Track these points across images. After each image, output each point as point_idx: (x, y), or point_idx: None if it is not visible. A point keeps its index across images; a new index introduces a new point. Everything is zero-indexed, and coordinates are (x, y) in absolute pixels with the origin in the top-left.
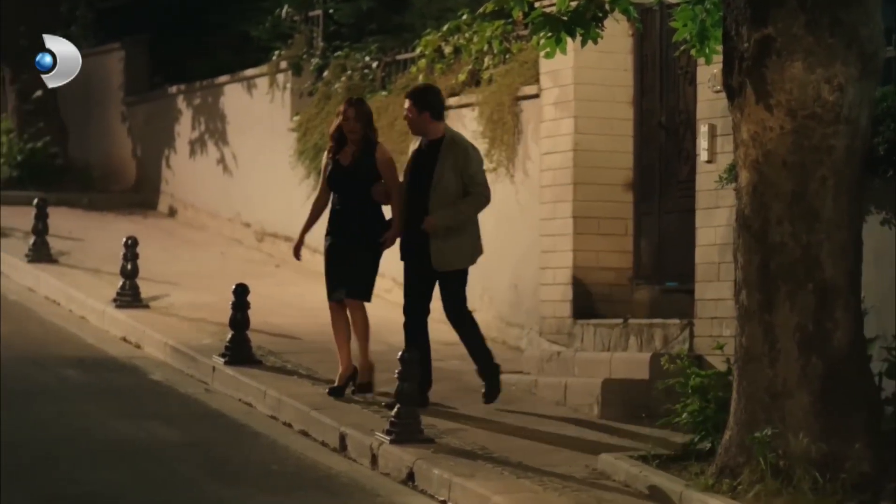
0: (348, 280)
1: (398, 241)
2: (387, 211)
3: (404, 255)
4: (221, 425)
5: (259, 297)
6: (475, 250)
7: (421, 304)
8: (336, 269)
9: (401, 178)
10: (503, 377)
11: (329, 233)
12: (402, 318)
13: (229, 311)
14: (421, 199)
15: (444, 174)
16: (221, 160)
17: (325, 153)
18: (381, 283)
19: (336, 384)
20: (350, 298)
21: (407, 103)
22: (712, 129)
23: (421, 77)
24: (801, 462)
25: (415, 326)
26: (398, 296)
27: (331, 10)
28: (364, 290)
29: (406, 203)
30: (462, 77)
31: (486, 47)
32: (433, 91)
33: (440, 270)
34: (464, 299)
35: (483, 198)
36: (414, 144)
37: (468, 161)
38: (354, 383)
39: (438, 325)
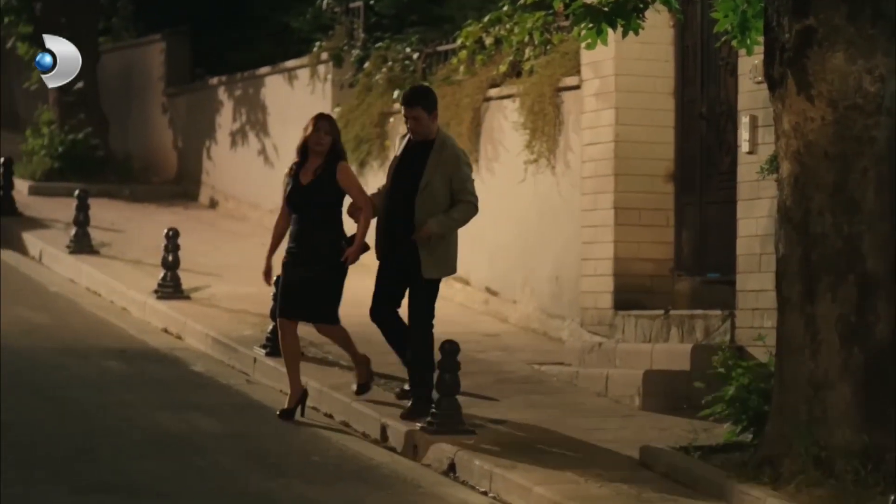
0: (314, 307)
1: (375, 242)
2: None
3: (380, 258)
4: (263, 416)
5: None
6: (456, 258)
7: (390, 306)
8: (292, 289)
9: (382, 181)
10: (544, 368)
11: (289, 252)
12: (441, 309)
13: (270, 302)
14: (405, 203)
15: (432, 178)
16: (262, 151)
17: (286, 172)
18: None
19: (287, 406)
20: (320, 325)
21: (414, 111)
22: (753, 119)
23: (462, 68)
24: (843, 453)
25: (381, 322)
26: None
27: (371, 2)
28: (331, 314)
29: (388, 204)
30: (503, 68)
31: (526, 38)
32: (432, 90)
33: (426, 278)
34: (433, 310)
35: (473, 207)
36: (397, 143)
37: (459, 167)
38: (303, 407)
39: (481, 315)
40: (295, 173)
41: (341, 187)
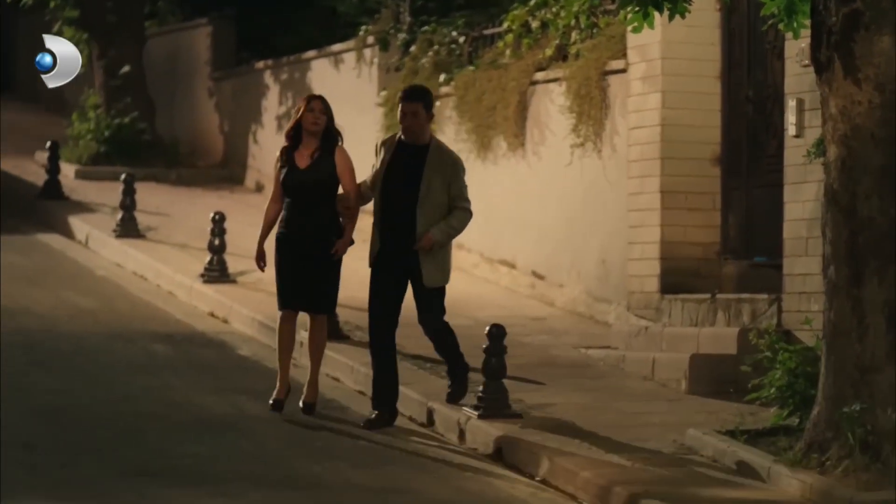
0: (315, 294)
1: (372, 249)
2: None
3: (379, 265)
4: None
5: (346, 272)
6: (450, 266)
7: (392, 317)
8: (294, 278)
9: (362, 179)
10: (591, 352)
11: (285, 240)
12: (487, 293)
13: None
14: (403, 211)
15: (431, 185)
16: None
17: (278, 155)
18: (467, 258)
19: (276, 397)
20: (318, 314)
21: (412, 106)
22: (800, 103)
23: (508, 52)
24: (890, 437)
25: (382, 340)
26: (485, 271)
27: None
28: (332, 303)
29: (383, 212)
30: (549, 52)
31: (573, 22)
32: (431, 93)
33: (430, 287)
34: (444, 310)
35: (469, 213)
36: (377, 149)
37: (457, 173)
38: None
39: (527, 299)
40: (289, 157)
41: (337, 172)
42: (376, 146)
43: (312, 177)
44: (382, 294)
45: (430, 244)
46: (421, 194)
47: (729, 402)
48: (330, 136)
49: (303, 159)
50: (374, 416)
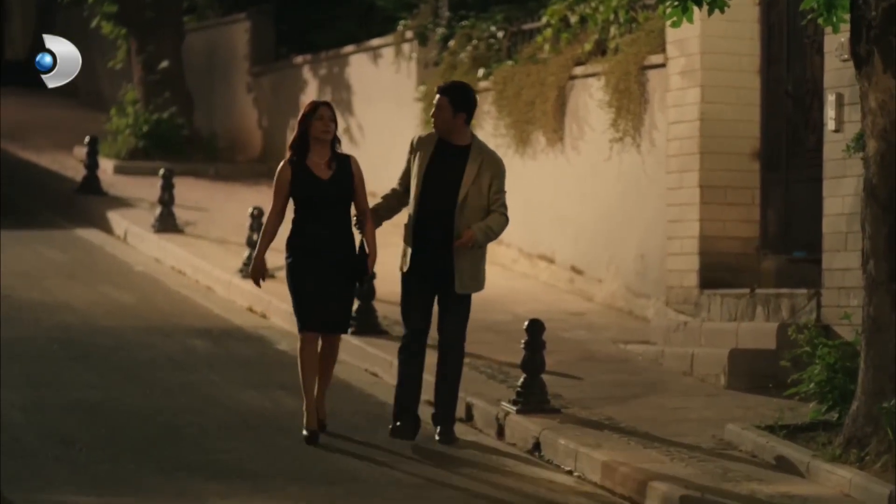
0: (335, 313)
1: (406, 254)
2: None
3: (411, 270)
4: (348, 395)
5: (384, 267)
6: (485, 274)
7: (424, 327)
8: (315, 295)
9: (406, 182)
10: (629, 347)
11: (302, 254)
12: (526, 288)
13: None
14: (442, 214)
15: (470, 188)
16: (347, 130)
17: (284, 164)
18: (506, 253)
19: (309, 427)
20: (336, 333)
21: (439, 99)
22: (840, 98)
23: (547, 47)
24: None
25: (414, 352)
26: (524, 266)
27: None
28: (348, 322)
29: (421, 215)
30: (588, 46)
31: (612, 16)
32: (471, 91)
33: (461, 293)
34: (467, 320)
35: (506, 220)
36: (414, 146)
37: (498, 176)
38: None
39: (566, 294)
40: (302, 167)
41: (354, 183)
42: (411, 143)
43: (336, 188)
44: (414, 302)
45: (472, 240)
46: (460, 197)
47: (768, 397)
48: (335, 144)
49: (321, 170)
50: (397, 424)
